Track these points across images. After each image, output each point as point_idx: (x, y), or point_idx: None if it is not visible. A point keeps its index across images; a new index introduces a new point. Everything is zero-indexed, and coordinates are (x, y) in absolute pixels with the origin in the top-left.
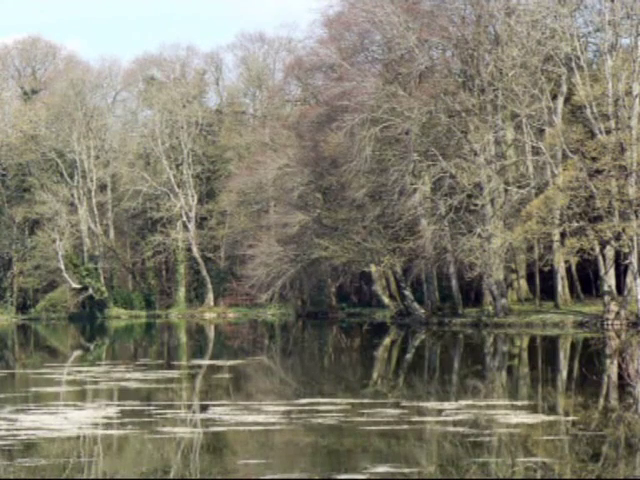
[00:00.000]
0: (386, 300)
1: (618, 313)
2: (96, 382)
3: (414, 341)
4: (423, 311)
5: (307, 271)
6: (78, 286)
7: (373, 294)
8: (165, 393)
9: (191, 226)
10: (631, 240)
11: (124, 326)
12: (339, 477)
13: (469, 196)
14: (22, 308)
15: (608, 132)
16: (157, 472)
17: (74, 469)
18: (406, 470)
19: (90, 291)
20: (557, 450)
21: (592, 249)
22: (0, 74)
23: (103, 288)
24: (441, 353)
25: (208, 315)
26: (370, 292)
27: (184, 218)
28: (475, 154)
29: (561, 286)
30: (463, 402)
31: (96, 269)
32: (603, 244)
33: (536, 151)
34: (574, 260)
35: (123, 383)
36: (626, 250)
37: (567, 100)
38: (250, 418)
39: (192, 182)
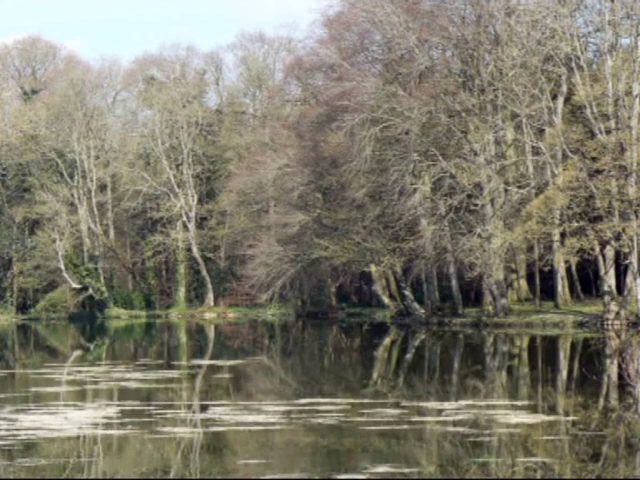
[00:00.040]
0: (386, 300)
1: (618, 313)
2: (96, 382)
3: (414, 341)
4: (423, 311)
5: (307, 271)
6: (78, 286)
7: (373, 294)
8: (165, 393)
9: (191, 226)
10: (631, 240)
11: (124, 326)
12: (339, 477)
13: (469, 196)
14: (22, 308)
15: (608, 132)
16: (157, 472)
17: (74, 469)
18: (406, 470)
19: (90, 291)
20: (557, 450)
21: (592, 249)
22: (0, 74)
23: (103, 288)
24: (441, 353)
25: (208, 315)
26: (370, 292)
27: (184, 218)
28: (475, 154)
29: (561, 286)
30: (463, 402)
31: (96, 269)
32: (603, 244)
33: (536, 151)
34: (574, 260)
35: (123, 383)
36: (626, 250)
37: (567, 100)
38: (250, 418)
39: (192, 182)
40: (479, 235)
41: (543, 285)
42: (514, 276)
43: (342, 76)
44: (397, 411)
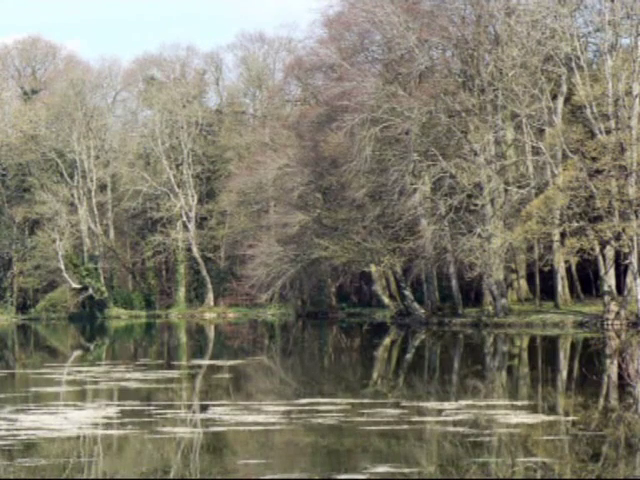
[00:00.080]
0: (386, 300)
1: (618, 313)
2: (96, 382)
3: (414, 341)
4: (423, 311)
5: (307, 271)
6: (78, 286)
7: (373, 294)
8: (165, 393)
9: (191, 226)
10: (631, 240)
11: (124, 326)
12: (339, 477)
13: (469, 196)
14: (22, 308)
15: (608, 132)
16: (157, 472)
17: (74, 469)
18: (406, 470)
19: (90, 291)
20: (557, 450)
21: (592, 249)
22: (0, 74)
23: (103, 288)
24: (441, 353)
25: (208, 315)
26: (370, 292)
27: (184, 218)
28: (475, 154)
29: (561, 286)
30: (463, 402)
31: (96, 269)
32: (603, 244)
33: (536, 151)
34: (574, 260)
35: (123, 383)
36: (626, 250)
37: (567, 100)
38: (250, 418)
39: (192, 182)
40: (479, 235)
41: (543, 285)
42: (514, 276)
43: (342, 76)
44: (397, 411)
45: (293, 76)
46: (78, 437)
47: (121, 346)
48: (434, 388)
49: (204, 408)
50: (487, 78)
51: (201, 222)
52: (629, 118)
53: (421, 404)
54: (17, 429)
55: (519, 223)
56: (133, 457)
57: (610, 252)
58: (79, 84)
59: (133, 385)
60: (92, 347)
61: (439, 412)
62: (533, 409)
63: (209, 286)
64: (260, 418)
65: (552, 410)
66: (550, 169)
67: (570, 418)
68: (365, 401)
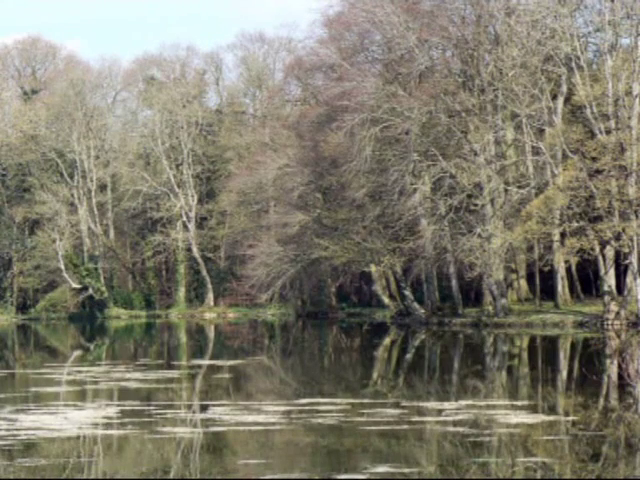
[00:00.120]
0: (386, 300)
1: (618, 313)
2: (96, 382)
3: (414, 341)
4: (423, 311)
5: (307, 271)
6: (78, 286)
7: (373, 294)
8: (165, 393)
9: (191, 226)
10: (631, 240)
11: (124, 326)
12: (339, 477)
13: (469, 196)
14: (22, 308)
15: (608, 132)
16: (157, 472)
17: (74, 469)
18: (406, 470)
19: (90, 291)
20: (557, 450)
21: (592, 249)
22: (0, 74)
23: (103, 288)
24: (441, 353)
25: (208, 315)
26: (370, 292)
27: (184, 218)
28: (475, 154)
29: (561, 286)
30: (463, 402)
31: (96, 269)
32: (603, 244)
33: (536, 151)
34: (574, 260)
35: (123, 383)
36: (626, 250)
37: (567, 100)
38: (250, 418)
39: (192, 182)
40: (479, 235)
41: (543, 285)
42: (514, 276)
43: (342, 76)
44: (397, 411)
45: (293, 76)
46: (78, 437)
47: (121, 346)
48: (434, 388)
49: (204, 408)
50: (487, 78)
51: (201, 222)
52: (629, 118)
53: (421, 404)
54: (17, 429)
55: (519, 223)
56: (133, 457)
57: (610, 252)
58: (79, 84)
59: (133, 385)
60: (92, 347)
61: (439, 412)
62: (533, 409)
63: (209, 286)
64: (260, 418)
65: (552, 410)
66: (550, 169)
67: (570, 418)
68: (365, 401)
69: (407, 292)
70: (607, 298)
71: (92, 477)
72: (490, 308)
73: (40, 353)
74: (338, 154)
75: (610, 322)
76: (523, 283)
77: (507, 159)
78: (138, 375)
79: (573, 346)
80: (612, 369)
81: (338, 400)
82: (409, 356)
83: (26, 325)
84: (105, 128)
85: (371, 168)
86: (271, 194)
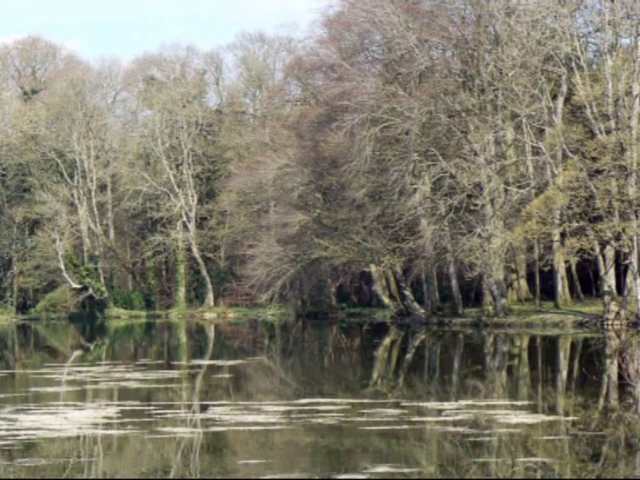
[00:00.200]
0: (386, 300)
1: (618, 313)
2: (96, 382)
3: (414, 341)
4: (423, 311)
5: (307, 271)
6: (78, 286)
7: (373, 294)
8: (165, 393)
9: (191, 226)
10: (631, 240)
11: (124, 326)
12: (339, 477)
13: (469, 196)
14: (22, 308)
15: (608, 132)
16: (157, 472)
17: (74, 469)
18: (406, 470)
19: (90, 291)
20: (557, 450)
21: (592, 249)
22: (0, 74)
23: (103, 288)
24: (441, 353)
25: (208, 315)
26: (370, 292)
27: (184, 218)
28: (475, 154)
29: (561, 286)
30: (463, 402)
31: (96, 269)
32: (603, 244)
33: (536, 151)
34: (574, 260)
35: (123, 383)
36: (626, 250)
37: (567, 100)
38: (250, 418)
39: (192, 182)
40: (479, 235)
41: (543, 285)
42: (514, 276)
43: (342, 76)
44: (397, 411)
45: (293, 76)
46: (78, 437)
47: (121, 346)
48: (434, 388)
49: (204, 408)
50: (487, 78)
51: (201, 222)
52: (629, 118)
53: (421, 404)
54: (17, 429)
55: (519, 223)
56: (133, 457)
57: (610, 252)
58: (79, 84)
59: (133, 385)
60: (92, 347)
61: (439, 412)
62: (533, 409)
63: (209, 286)
64: (260, 418)
65: (552, 410)
66: (550, 169)
67: (570, 418)
68: (365, 401)
69: (407, 292)
70: (607, 298)
71: (92, 477)
72: (490, 308)
73: (40, 353)
74: (338, 154)
75: (610, 322)
76: (523, 283)
77: (507, 159)
78: (138, 375)
79: (573, 346)
80: (612, 369)
81: (338, 400)
82: (409, 356)
83: (26, 325)
84: (105, 128)
85: (371, 168)
86: (271, 194)
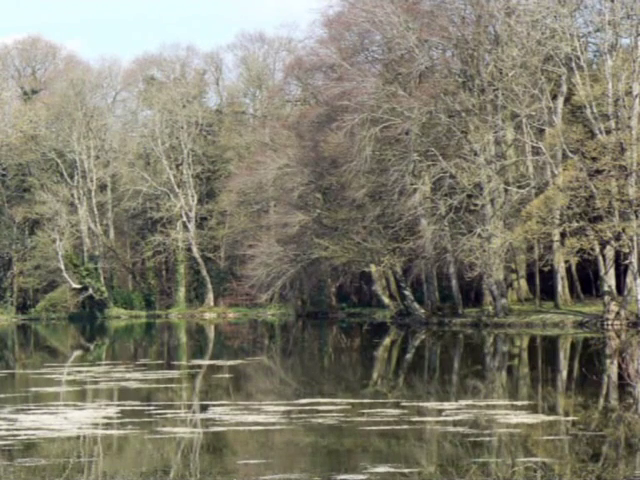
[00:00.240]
0: (386, 300)
1: (618, 313)
2: (96, 382)
3: (414, 341)
4: (423, 311)
5: (307, 271)
6: (78, 286)
7: (373, 294)
8: (165, 393)
9: (191, 226)
10: (631, 240)
11: (124, 326)
12: (339, 477)
13: (469, 196)
14: (22, 308)
15: (608, 132)
16: (157, 472)
17: (74, 469)
18: (406, 470)
19: (90, 291)
20: (557, 450)
21: (592, 249)
22: (0, 74)
23: (103, 288)
24: (441, 353)
25: (208, 315)
26: (370, 292)
27: (184, 218)
28: (475, 154)
29: (561, 286)
30: (463, 402)
31: (96, 269)
32: (603, 244)
33: (536, 151)
34: (574, 260)
35: (123, 383)
36: (626, 250)
37: (567, 100)
38: (250, 418)
39: (192, 182)
40: (479, 235)
41: (543, 285)
42: (514, 276)
43: (342, 76)
44: (397, 411)
45: (293, 76)
46: (78, 437)
47: (121, 346)
48: (434, 388)
49: (204, 408)
50: (487, 78)
51: (201, 222)
52: (629, 118)
53: (421, 404)
54: (17, 429)
55: (519, 223)
56: (133, 457)
57: (610, 252)
58: (79, 84)
59: (133, 385)
60: (92, 347)
61: (439, 412)
62: (533, 409)
63: (209, 286)
64: (260, 418)
65: (552, 410)
66: (550, 169)
67: (570, 418)
68: (365, 401)
69: (407, 292)
70: (607, 298)
71: (92, 477)
72: (490, 308)
73: (40, 353)
74: (338, 154)
75: (610, 322)
76: (523, 283)
77: (507, 159)
78: (138, 375)
79: (573, 346)
80: (612, 369)
81: (338, 400)
82: (409, 356)
83: (26, 325)
84: (105, 128)
85: (371, 168)
86: (271, 194)
